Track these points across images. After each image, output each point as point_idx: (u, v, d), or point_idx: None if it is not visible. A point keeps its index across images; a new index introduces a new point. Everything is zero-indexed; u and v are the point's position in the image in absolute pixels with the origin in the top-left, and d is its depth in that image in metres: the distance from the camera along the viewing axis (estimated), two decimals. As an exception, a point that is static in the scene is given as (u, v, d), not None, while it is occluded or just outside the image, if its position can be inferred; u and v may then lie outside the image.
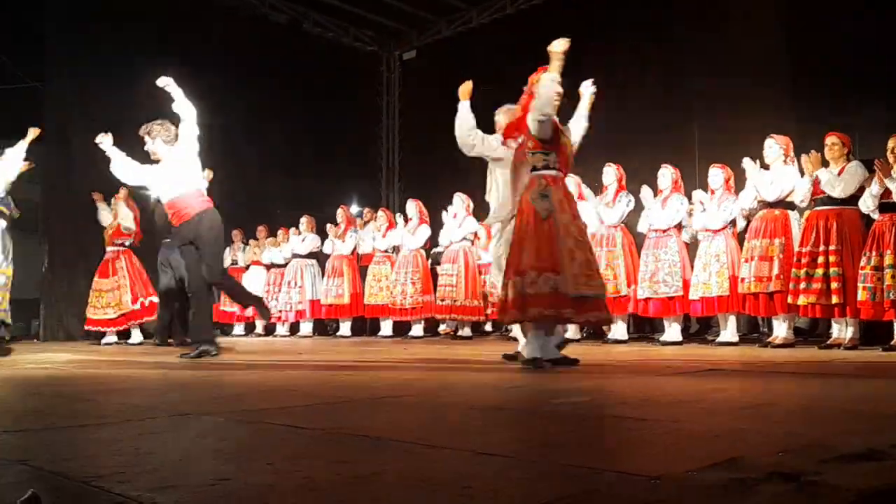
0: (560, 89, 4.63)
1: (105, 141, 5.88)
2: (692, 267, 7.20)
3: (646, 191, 7.50)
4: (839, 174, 6.03)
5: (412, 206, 9.68)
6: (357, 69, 13.71)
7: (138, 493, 1.43)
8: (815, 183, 6.11)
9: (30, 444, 2.08)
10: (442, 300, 9.02)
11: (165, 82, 5.75)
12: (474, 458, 1.75)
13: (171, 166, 5.81)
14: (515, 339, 8.49)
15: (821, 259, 5.97)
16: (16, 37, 9.05)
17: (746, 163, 6.59)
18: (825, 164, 6.18)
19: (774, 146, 6.50)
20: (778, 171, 6.49)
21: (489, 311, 8.97)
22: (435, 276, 9.57)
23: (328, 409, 2.83)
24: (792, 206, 6.52)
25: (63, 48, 10.00)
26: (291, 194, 12.23)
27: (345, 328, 10.38)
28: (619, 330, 7.65)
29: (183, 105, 5.77)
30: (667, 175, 7.34)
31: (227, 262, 11.37)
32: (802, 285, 6.03)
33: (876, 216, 5.88)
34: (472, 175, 11.17)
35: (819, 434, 2.06)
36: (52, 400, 3.30)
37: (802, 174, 6.30)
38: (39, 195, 10.08)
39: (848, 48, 8.10)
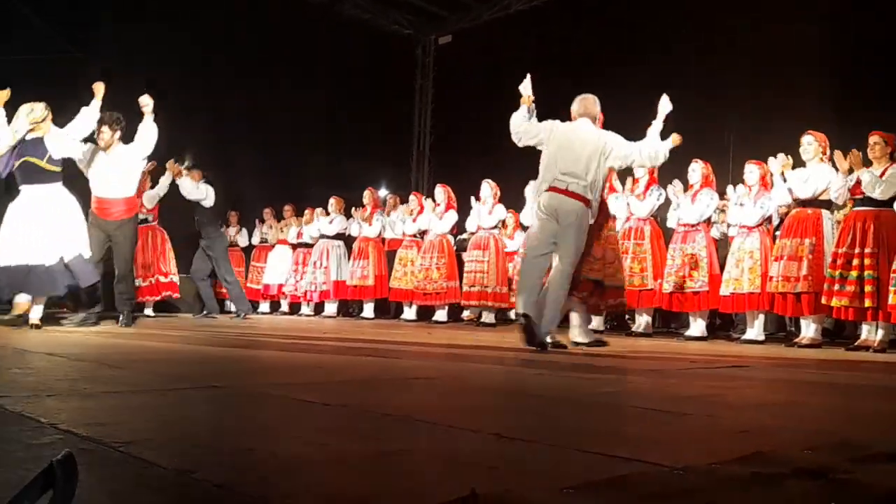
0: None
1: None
2: (720, 263, 7.14)
3: (675, 185, 7.45)
4: (881, 175, 5.92)
5: (440, 192, 9.67)
6: (392, 52, 13.71)
7: (166, 460, 1.45)
8: (857, 183, 6.01)
9: (62, 408, 2.11)
10: (471, 286, 9.01)
11: (145, 103, 6.23)
12: (499, 441, 1.76)
13: (115, 163, 6.26)
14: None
15: (855, 261, 5.89)
16: (65, 6, 9.18)
17: (772, 162, 6.52)
18: (868, 163, 6.07)
19: (814, 143, 6.40)
20: (813, 169, 6.40)
21: (513, 298, 8.95)
22: (460, 261, 9.56)
23: (354, 388, 2.85)
24: (826, 204, 6.43)
25: (108, 20, 10.07)
26: (321, 174, 12.30)
27: (368, 310, 10.42)
28: (643, 323, 7.61)
29: (149, 126, 6.24)
30: (697, 170, 7.28)
31: (255, 240, 11.47)
32: (836, 287, 5.95)
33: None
34: (503, 161, 11.18)
35: (848, 433, 2.03)
36: (83, 367, 3.36)
37: (837, 172, 6.21)
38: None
39: (890, 44, 7.96)
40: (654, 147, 5.07)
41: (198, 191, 8.63)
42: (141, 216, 8.70)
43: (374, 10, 13.25)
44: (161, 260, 8.74)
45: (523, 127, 5.17)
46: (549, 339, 5.10)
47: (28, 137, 5.82)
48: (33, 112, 5.84)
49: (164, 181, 8.54)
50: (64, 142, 5.91)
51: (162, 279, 8.70)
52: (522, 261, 5.14)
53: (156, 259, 8.69)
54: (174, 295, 8.96)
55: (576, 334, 5.47)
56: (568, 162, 4.94)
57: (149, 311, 8.78)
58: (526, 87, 5.30)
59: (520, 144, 5.27)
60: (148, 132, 6.23)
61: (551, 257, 5.03)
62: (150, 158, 7.12)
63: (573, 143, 5.02)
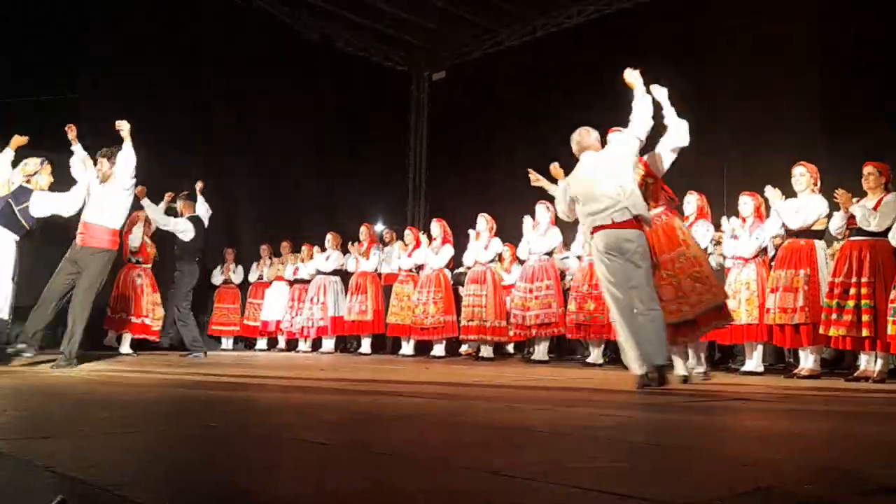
0: None
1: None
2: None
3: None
4: (875, 206, 5.93)
5: (436, 226, 9.68)
6: (387, 88, 13.82)
7: (160, 502, 1.43)
8: (852, 215, 6.03)
9: (55, 450, 2.09)
10: (469, 321, 8.97)
11: (121, 126, 6.19)
12: (498, 478, 1.74)
13: (110, 194, 6.26)
14: (538, 362, 8.48)
15: (852, 291, 5.87)
16: (54, 48, 9.26)
17: (769, 191, 6.54)
18: (862, 193, 6.09)
19: (806, 174, 6.42)
20: (804, 199, 6.42)
21: (512, 332, 8.92)
22: (458, 296, 9.54)
23: (351, 425, 2.82)
24: (818, 235, 6.44)
25: (101, 60, 10.16)
26: (318, 210, 12.33)
27: (366, 345, 10.37)
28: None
29: (127, 153, 6.19)
30: (692, 202, 7.27)
31: (252, 277, 11.44)
32: (834, 316, 5.93)
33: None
34: (498, 195, 11.23)
35: (850, 464, 2.02)
36: (76, 408, 3.33)
37: (837, 207, 6.21)
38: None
39: (880, 75, 8.04)
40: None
41: (164, 222, 8.34)
42: (134, 259, 8.73)
43: (368, 47, 13.38)
44: (136, 300, 8.66)
45: (559, 199, 5.21)
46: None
47: (24, 185, 6.14)
48: (26, 165, 6.10)
49: (137, 231, 8.57)
50: (47, 204, 6.18)
51: (133, 319, 8.63)
52: (614, 315, 4.89)
53: (134, 298, 8.63)
54: (148, 337, 8.86)
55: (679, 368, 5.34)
56: (598, 196, 4.75)
57: (125, 349, 8.62)
58: (537, 178, 5.33)
59: (572, 218, 5.21)
60: (124, 160, 6.21)
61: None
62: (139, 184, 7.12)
63: (591, 176, 4.82)
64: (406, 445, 2.25)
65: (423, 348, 9.87)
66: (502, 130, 12.26)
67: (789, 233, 6.49)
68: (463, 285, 9.40)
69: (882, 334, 5.68)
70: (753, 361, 6.85)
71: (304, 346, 10.92)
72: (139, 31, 10.29)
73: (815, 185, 6.42)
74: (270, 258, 11.47)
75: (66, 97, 8.99)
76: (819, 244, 6.42)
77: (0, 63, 8.61)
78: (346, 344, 11.18)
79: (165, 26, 10.55)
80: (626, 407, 3.80)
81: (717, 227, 7.53)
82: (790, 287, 6.33)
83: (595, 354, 8.10)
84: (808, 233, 6.40)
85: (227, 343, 11.29)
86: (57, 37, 9.38)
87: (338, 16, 12.37)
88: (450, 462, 1.94)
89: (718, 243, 7.71)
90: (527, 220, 8.69)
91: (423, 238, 9.87)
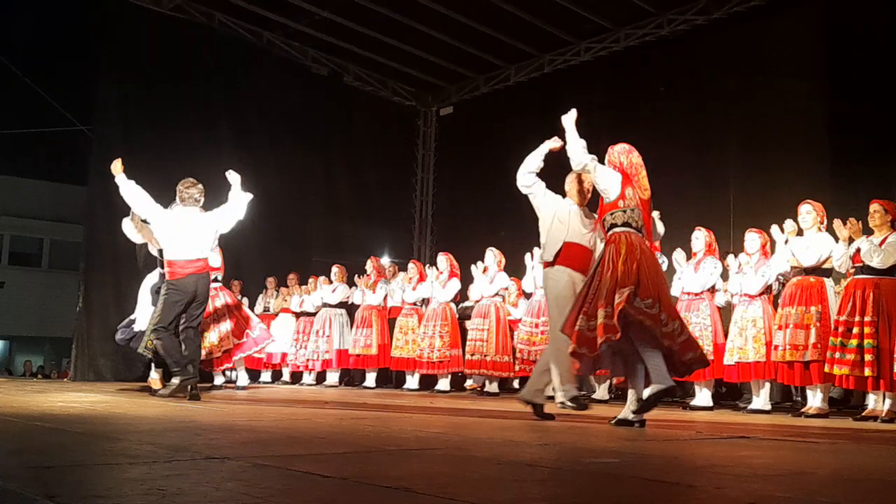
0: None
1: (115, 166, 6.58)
2: (724, 331, 7.10)
3: (678, 254, 7.45)
4: (881, 244, 5.92)
5: (443, 260, 9.68)
6: (394, 122, 13.96)
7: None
8: (857, 251, 6.02)
9: (60, 480, 2.09)
10: (472, 355, 8.94)
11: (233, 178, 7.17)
12: (504, 514, 1.73)
13: (196, 228, 6.77)
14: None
15: (855, 329, 5.84)
16: (65, 81, 9.38)
17: (775, 230, 6.56)
18: (869, 231, 6.09)
19: (812, 212, 6.43)
20: (813, 237, 6.42)
21: (517, 367, 8.88)
22: (463, 330, 9.52)
23: (356, 458, 2.81)
24: (827, 273, 6.43)
25: (112, 93, 10.30)
26: (325, 243, 12.37)
27: (370, 379, 10.33)
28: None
29: (239, 195, 7.04)
30: (700, 238, 7.27)
31: (258, 309, 11.44)
32: (837, 355, 5.90)
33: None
34: (504, 230, 11.25)
35: (858, 506, 2.00)
36: (82, 438, 3.32)
37: (836, 240, 6.22)
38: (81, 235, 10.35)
39: (889, 112, 8.08)
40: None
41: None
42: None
43: (376, 82, 13.53)
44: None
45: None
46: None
47: None
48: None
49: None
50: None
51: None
52: None
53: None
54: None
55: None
56: None
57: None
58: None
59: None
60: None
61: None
62: None
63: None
64: (408, 479, 2.24)
65: (427, 382, 9.83)
66: (509, 166, 12.25)
67: (797, 270, 6.48)
68: (469, 319, 9.38)
69: (887, 373, 5.64)
70: (760, 399, 6.80)
71: (308, 378, 10.88)
72: (150, 64, 10.44)
73: (822, 223, 6.43)
74: (276, 290, 11.47)
75: (78, 129, 9.07)
76: (828, 282, 6.41)
77: (13, 95, 8.73)
78: (351, 377, 11.13)
79: (175, 60, 10.70)
80: (630, 441, 3.77)
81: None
82: (801, 324, 6.29)
83: (601, 391, 8.06)
84: (818, 270, 6.39)
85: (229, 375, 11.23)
86: (71, 72, 9.52)
87: (346, 51, 12.52)
88: (457, 497, 1.93)
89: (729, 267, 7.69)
90: (532, 253, 8.70)
91: (429, 272, 9.87)
